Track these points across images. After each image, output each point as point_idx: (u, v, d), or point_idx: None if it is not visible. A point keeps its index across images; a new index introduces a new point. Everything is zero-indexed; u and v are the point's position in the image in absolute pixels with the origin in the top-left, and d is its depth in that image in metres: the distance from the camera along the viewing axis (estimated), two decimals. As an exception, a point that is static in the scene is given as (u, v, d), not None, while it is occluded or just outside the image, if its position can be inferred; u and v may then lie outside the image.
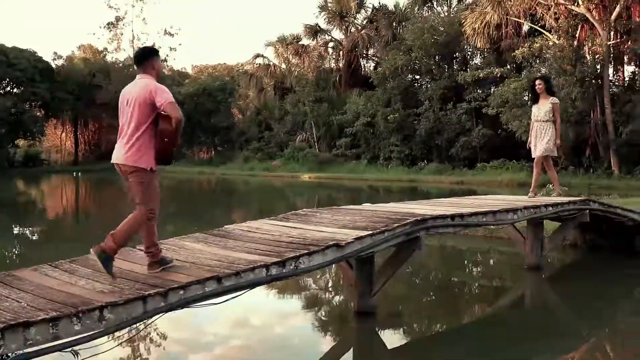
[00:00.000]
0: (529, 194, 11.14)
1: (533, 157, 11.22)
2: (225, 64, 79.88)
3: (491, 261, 12.98)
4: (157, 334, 6.87)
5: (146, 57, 5.74)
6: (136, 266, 5.52)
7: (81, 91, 57.79)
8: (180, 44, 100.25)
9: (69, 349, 4.31)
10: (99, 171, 52.99)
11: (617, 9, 32.90)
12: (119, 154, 5.61)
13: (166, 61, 63.03)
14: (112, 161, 5.73)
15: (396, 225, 6.96)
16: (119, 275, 5.14)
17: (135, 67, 5.83)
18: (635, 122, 31.68)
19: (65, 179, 45.33)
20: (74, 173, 49.65)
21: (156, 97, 5.42)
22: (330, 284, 10.33)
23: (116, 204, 27.41)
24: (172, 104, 5.41)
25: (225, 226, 7.47)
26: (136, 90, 5.55)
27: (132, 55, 60.07)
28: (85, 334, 4.26)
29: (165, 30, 60.32)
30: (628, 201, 16.23)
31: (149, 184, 5.56)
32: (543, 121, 10.91)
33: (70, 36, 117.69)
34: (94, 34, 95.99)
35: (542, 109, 10.96)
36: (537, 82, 11.27)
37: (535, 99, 11.30)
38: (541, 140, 10.93)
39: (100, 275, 5.17)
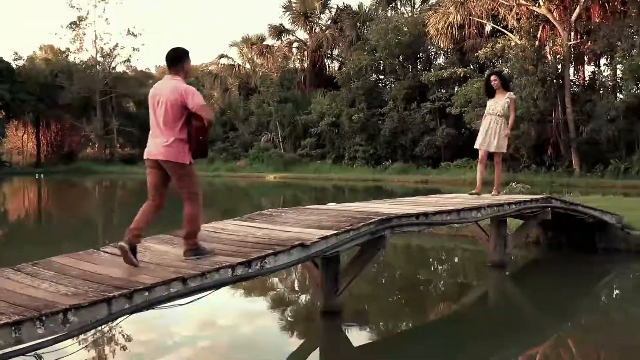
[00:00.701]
0: (475, 191, 11.04)
1: (476, 147, 11.13)
2: (189, 64, 79.32)
3: (456, 259, 13.10)
4: (123, 336, 6.81)
5: (180, 60, 6.02)
6: (100, 268, 5.47)
7: (43, 92, 56.97)
8: (143, 45, 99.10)
9: (32, 353, 4.25)
10: (62, 172, 52.41)
11: (577, 10, 33.43)
12: (156, 151, 5.98)
13: (129, 62, 62.47)
14: (146, 156, 6.12)
15: (361, 224, 6.98)
16: (84, 278, 5.09)
17: (166, 68, 6.10)
18: (595, 121, 32.21)
19: (27, 181, 44.68)
20: (36, 175, 48.97)
21: (187, 100, 5.75)
22: (296, 284, 10.34)
23: (79, 205, 27.12)
24: (204, 107, 5.83)
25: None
26: (166, 92, 5.84)
27: (93, 55, 59.86)
28: (48, 337, 4.20)
29: (129, 31, 59.71)
30: (588, 199, 16.52)
31: (190, 174, 6.05)
32: (499, 115, 10.82)
33: (32, 36, 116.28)
34: (55, 34, 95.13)
35: (499, 103, 10.87)
36: (493, 77, 11.21)
37: (490, 95, 11.22)
38: (496, 135, 10.86)
39: (63, 277, 5.11)
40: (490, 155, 11.25)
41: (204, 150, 6.03)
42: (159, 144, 5.94)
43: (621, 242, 11.78)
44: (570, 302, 8.64)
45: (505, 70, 35.10)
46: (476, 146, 11.10)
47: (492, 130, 10.88)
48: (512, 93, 11.23)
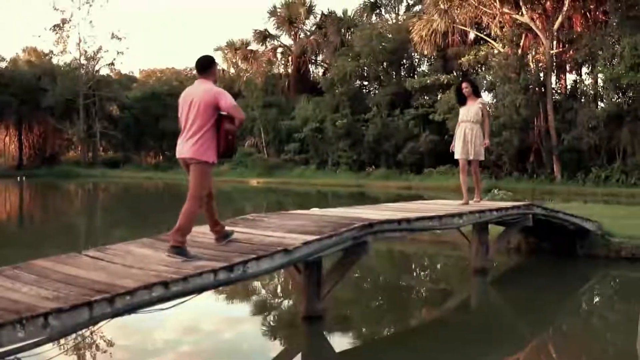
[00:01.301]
0: (464, 202, 10.77)
1: (456, 158, 10.92)
2: (173, 68, 79.21)
3: (438, 265, 13.14)
4: (104, 341, 6.78)
5: (209, 66, 6.58)
6: (82, 272, 5.45)
7: (26, 94, 56.52)
8: (127, 48, 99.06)
9: (12, 357, 4.24)
10: (44, 175, 52.04)
11: (560, 19, 33.70)
12: (185, 149, 6.32)
13: (113, 65, 62.21)
14: (178, 156, 6.48)
15: (344, 229, 7.00)
16: (65, 282, 5.07)
17: (196, 73, 6.65)
18: (577, 129, 32.45)
19: (9, 184, 44.32)
20: (18, 177, 48.61)
21: (220, 101, 6.21)
22: (279, 289, 10.34)
23: (61, 208, 26.96)
24: (235, 107, 6.30)
25: (173, 231, 7.41)
26: (199, 94, 6.28)
27: (77, 58, 59.54)
28: (29, 341, 4.19)
29: (113, 34, 59.48)
30: (569, 206, 16.64)
31: (204, 174, 6.37)
32: (472, 122, 10.61)
33: (15, 38, 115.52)
34: (39, 36, 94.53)
35: (471, 110, 10.66)
36: (464, 84, 10.98)
37: (462, 102, 10.98)
38: (471, 143, 10.64)
39: (45, 281, 5.09)
40: (469, 163, 11.04)
41: (232, 150, 6.49)
42: (187, 143, 6.29)
43: (601, 248, 11.88)
44: (551, 308, 8.69)
45: (489, 78, 35.34)
46: (456, 156, 10.91)
47: (468, 138, 10.66)
48: (483, 99, 11.06)
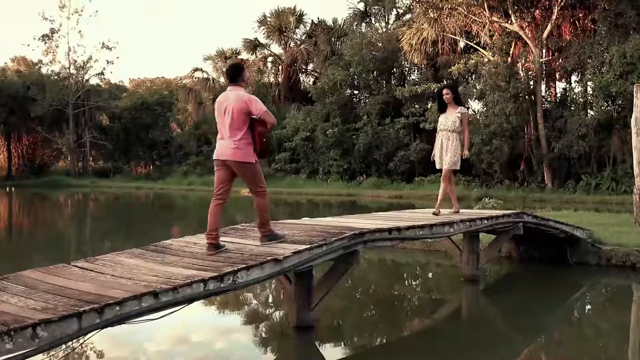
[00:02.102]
0: (436, 209, 10.41)
1: (438, 168, 10.68)
2: (163, 77, 79.21)
3: (429, 274, 13.13)
4: (94, 352, 6.73)
5: (238, 74, 7.09)
6: (71, 282, 5.41)
7: (15, 104, 56.35)
8: (117, 57, 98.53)
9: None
10: (34, 186, 51.82)
11: (549, 27, 33.87)
12: (225, 152, 6.92)
13: (103, 74, 62.06)
14: (215, 157, 7.06)
15: (334, 239, 6.99)
16: (54, 292, 5.03)
17: (227, 81, 7.27)
18: (567, 137, 32.55)
19: (-2, 194, 44.13)
20: (7, 188, 48.39)
21: (251, 107, 6.77)
22: (270, 299, 10.31)
23: (50, 218, 26.84)
24: (266, 112, 6.83)
25: (163, 241, 7.39)
26: (232, 100, 6.84)
27: (66, 68, 59.40)
28: (17, 353, 4.16)
29: (103, 43, 59.38)
30: (560, 214, 16.69)
31: (256, 171, 6.99)
32: (450, 131, 10.37)
33: (4, 47, 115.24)
34: (28, 45, 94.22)
35: (449, 119, 10.43)
36: (445, 91, 10.67)
37: (442, 109, 10.75)
38: (447, 152, 10.39)
39: (33, 292, 5.05)
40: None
41: (267, 150, 7.07)
42: (227, 146, 6.88)
43: (592, 256, 11.91)
44: (542, 316, 8.69)
45: (478, 87, 35.43)
46: (437, 166, 10.70)
47: (445, 147, 10.43)
48: (463, 107, 10.70)
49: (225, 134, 6.90)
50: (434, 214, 10.18)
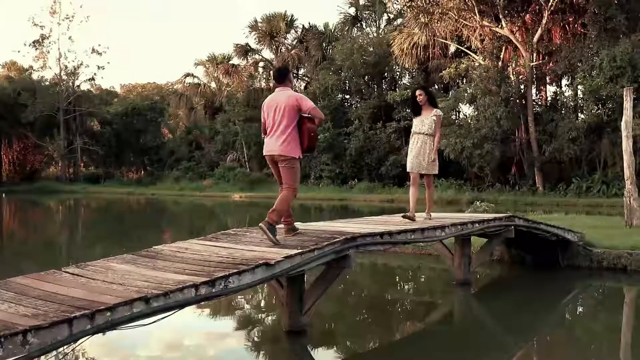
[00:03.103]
0: (409, 213, 9.92)
1: (414, 171, 10.04)
2: (154, 83, 79.25)
3: (421, 278, 13.14)
4: (85, 358, 6.70)
5: (286, 75, 7.70)
6: (62, 288, 5.38)
7: (5, 110, 56.05)
8: (108, 63, 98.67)
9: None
10: (25, 192, 51.57)
11: (539, 31, 34.02)
12: (274, 147, 7.43)
13: (94, 80, 61.90)
14: (265, 153, 7.60)
15: (326, 243, 6.98)
16: (44, 299, 5.01)
17: (275, 82, 7.88)
18: (558, 141, 32.67)
19: (-11, 200, 43.95)
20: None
21: (302, 104, 7.33)
22: (262, 304, 10.29)
23: (41, 224, 26.73)
24: (315, 109, 7.41)
25: (154, 247, 7.37)
26: (283, 99, 7.37)
27: (57, 73, 59.23)
28: (7, 359, 4.13)
29: (93, 49, 59.20)
30: (551, 217, 16.73)
31: (296, 169, 7.48)
32: (426, 134, 9.89)
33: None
34: (18, 51, 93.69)
35: (425, 122, 9.92)
36: (418, 92, 10.15)
37: (416, 111, 10.24)
38: (425, 157, 9.90)
39: (24, 298, 5.03)
40: (422, 176, 10.26)
41: (314, 146, 7.58)
42: (275, 142, 7.39)
43: (583, 259, 11.95)
44: (534, 319, 8.71)
45: (469, 90, 35.53)
46: (408, 169, 10.17)
47: (422, 152, 9.92)
48: (438, 110, 10.20)
49: (275, 131, 7.39)
50: (409, 218, 9.82)
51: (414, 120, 10.26)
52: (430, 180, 10.37)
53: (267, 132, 7.56)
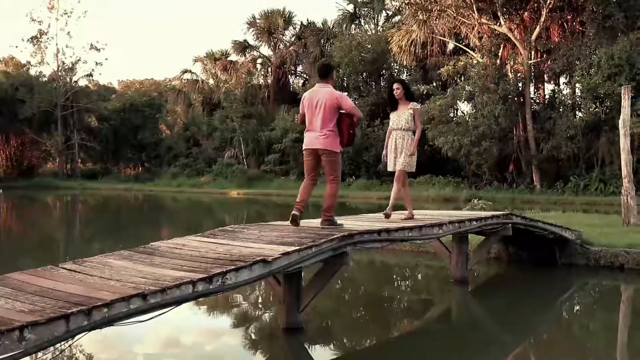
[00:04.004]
0: (387, 210, 9.73)
1: (390, 170, 9.91)
2: (152, 79, 79.24)
3: (419, 275, 13.14)
4: (83, 354, 6.70)
5: (329, 72, 8.11)
6: (59, 284, 5.37)
7: (3, 105, 55.93)
8: (106, 59, 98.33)
9: (-13, 372, 4.17)
10: (22, 188, 51.50)
11: (537, 29, 34.03)
12: (315, 142, 7.87)
13: (92, 76, 61.81)
14: (305, 147, 8.02)
15: (323, 240, 6.98)
16: (41, 294, 5.00)
17: (318, 78, 8.18)
18: (555, 139, 32.70)
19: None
20: (-1, 189, 48.12)
21: (341, 103, 7.77)
22: (259, 301, 10.29)
23: (39, 221, 26.70)
24: (354, 107, 7.87)
25: (151, 243, 7.35)
26: (323, 96, 7.77)
27: (55, 69, 59.13)
28: (4, 355, 4.11)
29: (91, 45, 59.09)
30: (549, 215, 16.75)
31: (338, 161, 7.97)
32: (403, 130, 9.62)
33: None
34: (16, 46, 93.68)
35: (402, 117, 9.66)
36: (395, 85, 9.84)
37: (393, 106, 9.94)
38: (401, 152, 9.63)
39: (20, 294, 5.01)
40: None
41: (353, 141, 8.06)
42: (317, 136, 7.81)
43: (581, 257, 11.96)
44: (531, 317, 8.72)
45: (468, 88, 35.53)
46: (389, 168, 9.97)
47: (399, 148, 9.64)
48: (415, 103, 9.89)
49: (316, 126, 7.79)
50: (386, 215, 9.63)
51: (390, 115, 9.98)
52: (405, 177, 9.99)
53: (307, 126, 7.94)
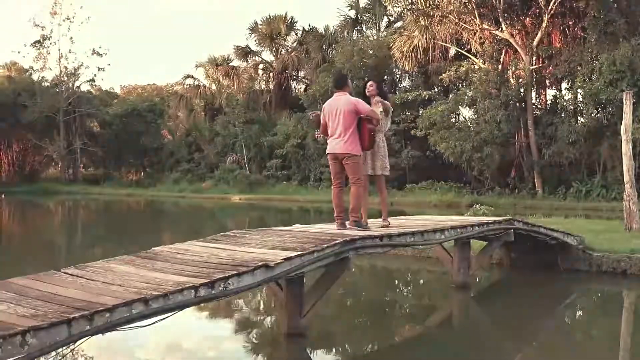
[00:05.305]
0: (384, 222, 9.35)
1: (369, 173, 9.17)
2: (154, 84, 79.20)
3: (420, 281, 13.13)
4: (84, 359, 6.69)
5: (345, 82, 8.63)
6: (61, 289, 5.37)
7: (5, 110, 55.83)
8: (109, 64, 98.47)
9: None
10: (24, 193, 51.49)
11: (539, 34, 34.01)
12: (336, 147, 8.33)
13: (94, 81, 61.85)
14: (328, 151, 8.48)
15: (325, 245, 6.98)
16: (44, 299, 5.00)
17: (333, 88, 8.79)
18: (557, 144, 32.66)
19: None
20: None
21: (359, 108, 8.23)
22: (261, 306, 10.28)
23: (41, 226, 26.72)
24: (372, 110, 8.43)
25: (154, 248, 7.35)
26: (342, 104, 8.25)
27: (57, 74, 59.15)
28: (6, 360, 4.13)
29: (94, 50, 59.12)
30: (551, 220, 16.69)
31: (359, 164, 8.45)
32: (378, 131, 8.91)
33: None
34: (19, 52, 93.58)
35: None
36: (369, 84, 9.43)
37: None
38: (376, 157, 9.09)
39: (23, 299, 5.02)
40: (372, 179, 9.45)
41: (373, 144, 8.52)
42: (338, 142, 8.27)
43: (583, 263, 11.93)
44: (533, 323, 8.71)
45: (469, 93, 35.52)
46: (366, 172, 9.09)
47: (374, 151, 9.00)
48: (379, 97, 9.20)
49: (337, 132, 8.24)
50: (384, 227, 9.08)
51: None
52: (383, 182, 9.50)
53: (329, 134, 8.38)
